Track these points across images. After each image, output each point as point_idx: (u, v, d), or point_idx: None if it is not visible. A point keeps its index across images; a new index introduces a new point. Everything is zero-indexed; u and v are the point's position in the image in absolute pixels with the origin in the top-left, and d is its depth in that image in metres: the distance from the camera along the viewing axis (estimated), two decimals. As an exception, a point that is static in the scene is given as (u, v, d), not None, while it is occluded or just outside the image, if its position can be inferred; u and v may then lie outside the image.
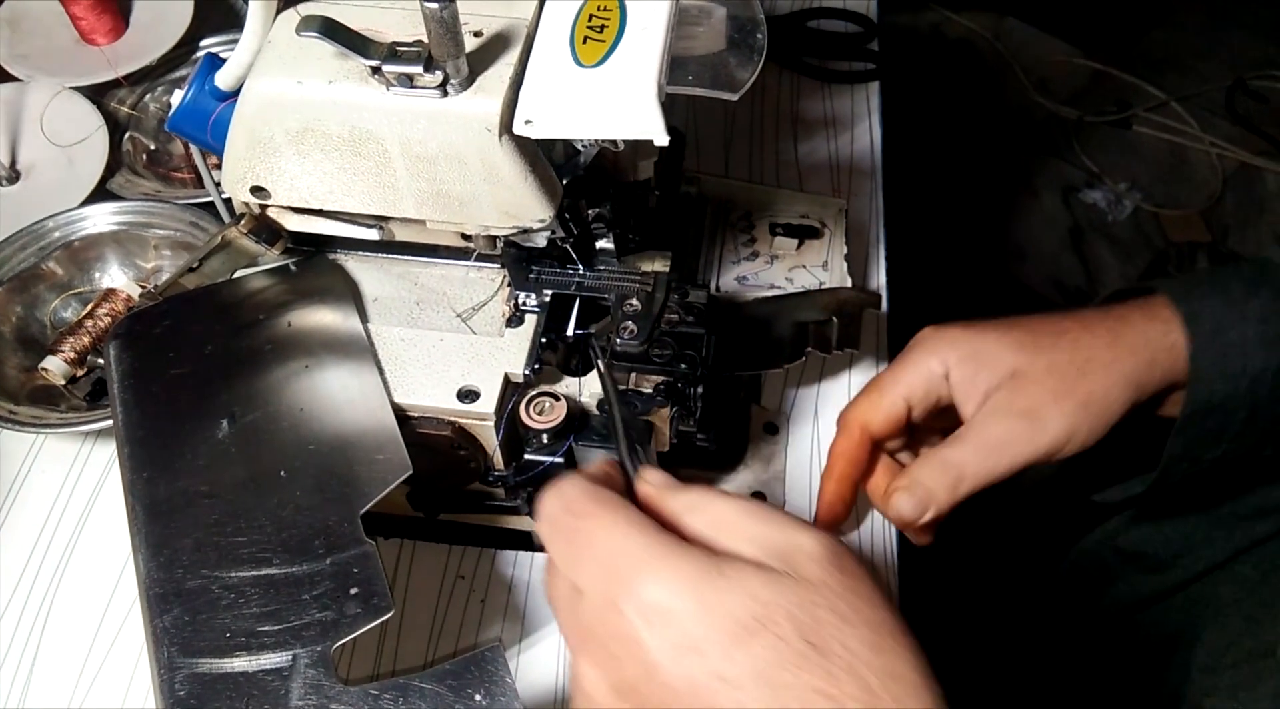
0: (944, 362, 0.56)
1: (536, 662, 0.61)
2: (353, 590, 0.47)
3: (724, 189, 0.80)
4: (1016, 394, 0.53)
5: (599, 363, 0.54)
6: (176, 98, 0.58)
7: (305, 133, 0.48)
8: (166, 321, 0.57)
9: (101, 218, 0.74)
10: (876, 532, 0.67)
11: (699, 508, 0.40)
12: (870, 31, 0.98)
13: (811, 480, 0.70)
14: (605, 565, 0.37)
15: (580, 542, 0.39)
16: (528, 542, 0.66)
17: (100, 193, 0.78)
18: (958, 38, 2.43)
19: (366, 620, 0.46)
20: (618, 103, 0.45)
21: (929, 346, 0.57)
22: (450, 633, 0.63)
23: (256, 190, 0.52)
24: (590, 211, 0.56)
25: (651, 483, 0.43)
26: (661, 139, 0.45)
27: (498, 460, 0.57)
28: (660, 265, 0.60)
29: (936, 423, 0.62)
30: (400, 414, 0.54)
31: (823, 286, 0.73)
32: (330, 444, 0.51)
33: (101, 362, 0.71)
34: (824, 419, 0.72)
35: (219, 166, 0.72)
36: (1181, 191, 2.16)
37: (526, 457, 0.56)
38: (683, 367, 0.55)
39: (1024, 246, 2.05)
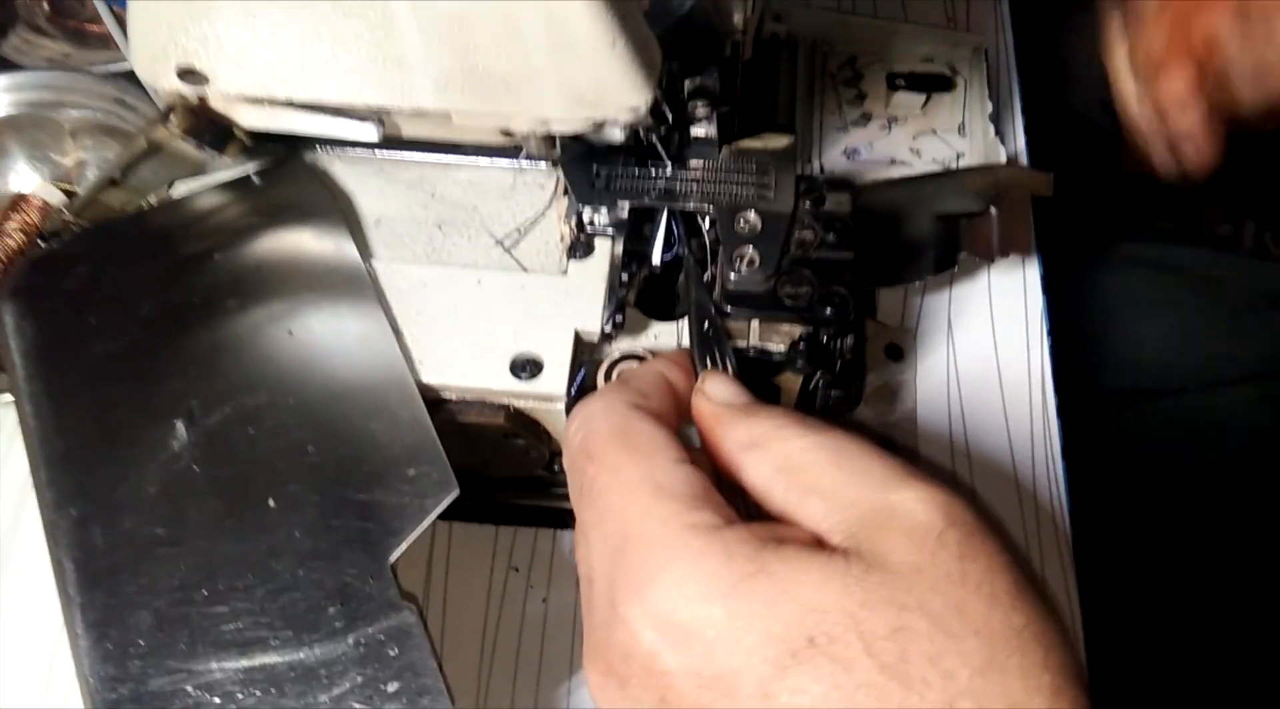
0: None
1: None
2: (389, 685, 0.32)
3: (817, 25, 0.60)
4: None
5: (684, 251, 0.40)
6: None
7: (254, -18, 0.30)
8: (80, 269, 0.39)
9: (-9, 97, 0.55)
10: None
11: (765, 445, 0.31)
12: None
13: (953, 420, 0.54)
14: (614, 545, 0.29)
15: (591, 498, 0.31)
16: (598, 521, 0.51)
17: (-12, 61, 0.58)
18: None
19: (415, 731, 0.31)
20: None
21: None
22: (507, 644, 0.49)
23: (187, 74, 0.34)
24: (687, 83, 0.38)
25: (713, 398, 0.33)
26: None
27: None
28: (778, 153, 0.42)
29: None
30: (431, 398, 0.37)
31: (962, 164, 0.55)
32: (336, 454, 0.35)
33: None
34: (960, 335, 0.56)
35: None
36: None
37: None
38: (828, 311, 0.39)
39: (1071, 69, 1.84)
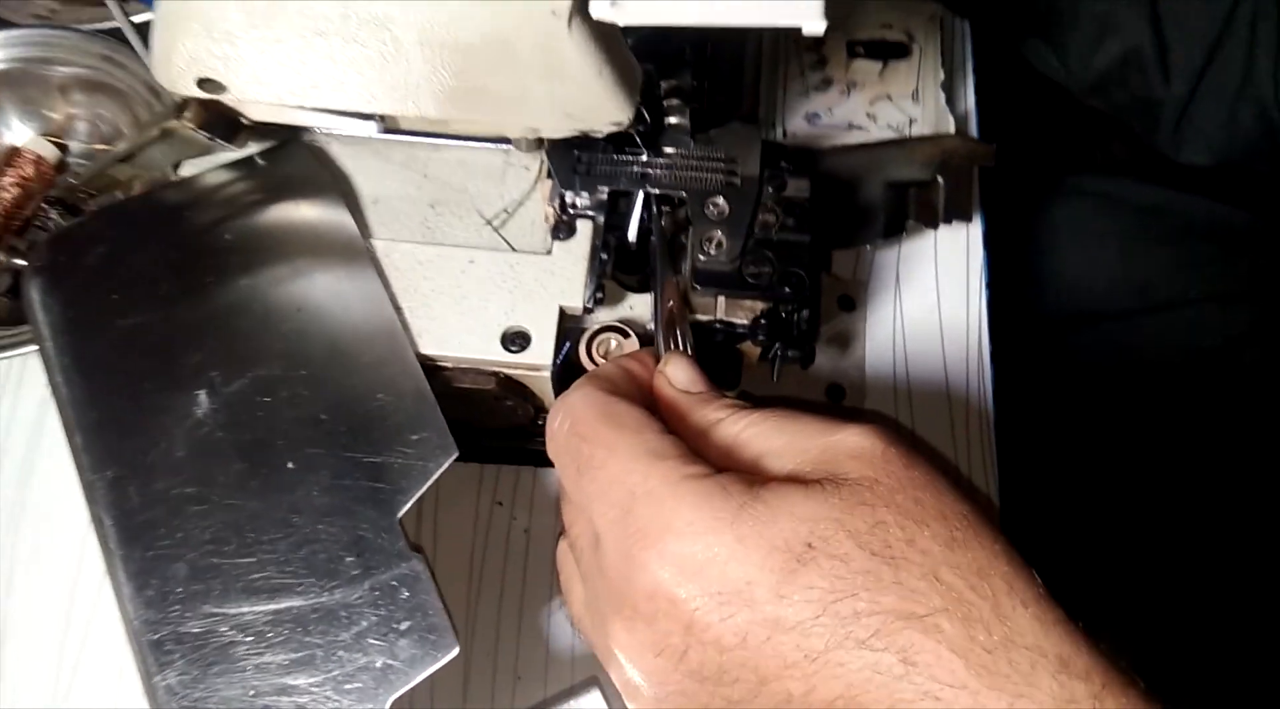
0: None
1: (597, 605, 0.53)
2: (402, 624, 0.37)
3: (782, -10, 0.63)
4: None
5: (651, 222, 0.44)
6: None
7: (274, 12, 0.33)
8: (100, 248, 0.42)
9: (-18, 53, 0.56)
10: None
11: (715, 430, 0.35)
12: None
13: (896, 365, 0.59)
14: (621, 507, 0.32)
15: (591, 473, 0.34)
16: (575, 461, 0.56)
17: (-26, 14, 0.59)
18: None
19: (425, 664, 0.37)
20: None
21: None
22: (493, 571, 0.54)
23: (205, 83, 0.36)
24: (663, 83, 0.42)
25: (673, 381, 0.37)
26: (818, 26, 0.31)
27: (550, 402, 0.46)
28: (745, 143, 0.45)
29: None
30: (429, 366, 0.42)
31: (914, 132, 0.59)
32: (347, 421, 0.40)
33: (18, 256, 0.56)
34: (908, 290, 0.61)
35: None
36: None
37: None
38: (787, 290, 0.43)
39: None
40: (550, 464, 0.55)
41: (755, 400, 0.41)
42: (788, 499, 0.31)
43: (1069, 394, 0.75)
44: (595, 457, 0.34)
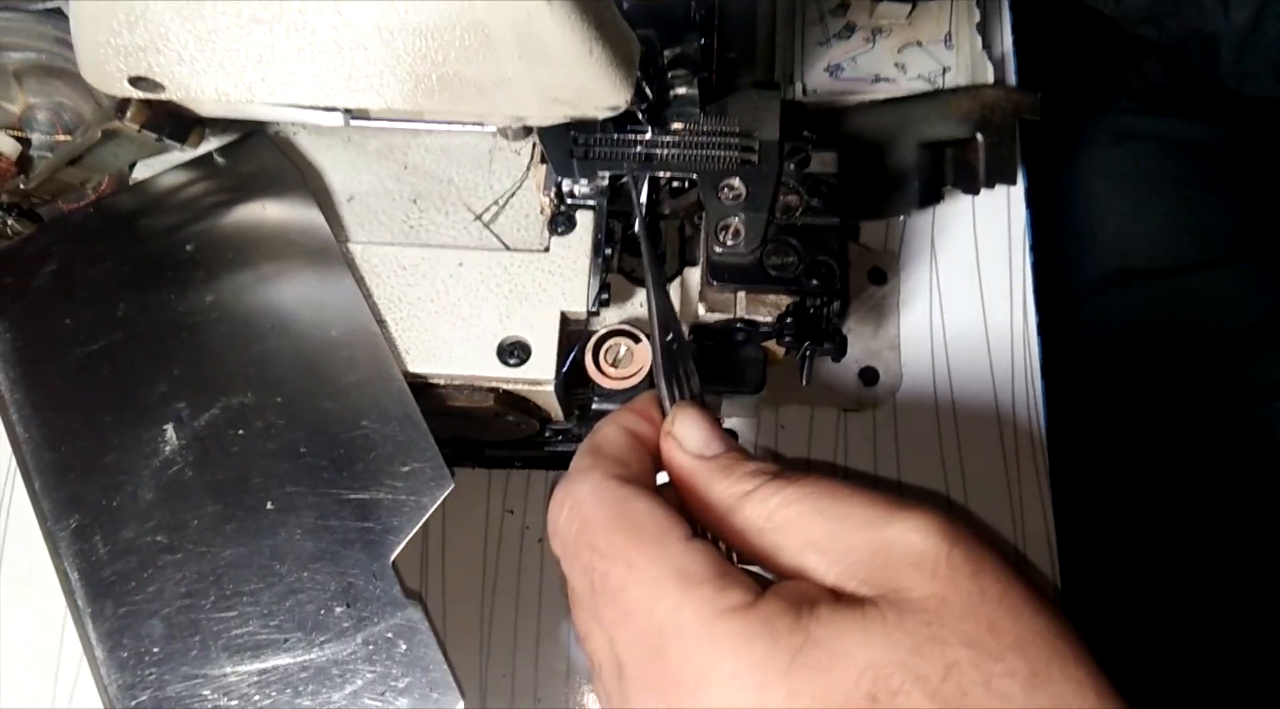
0: None
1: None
2: (400, 681, 0.33)
3: (797, -72, 0.57)
4: None
5: (637, 224, 0.37)
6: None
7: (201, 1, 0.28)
8: (47, 267, 0.38)
9: (-75, 43, 0.52)
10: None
11: (743, 508, 0.30)
12: None
13: (935, 344, 0.55)
14: (650, 645, 0.28)
15: (609, 595, 0.29)
16: (589, 463, 0.51)
17: (-86, -1, 0.54)
18: None
19: (428, 723, 0.33)
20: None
21: None
22: (507, 587, 0.51)
23: (139, 82, 0.31)
24: (666, 53, 0.36)
25: (685, 445, 0.32)
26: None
27: (556, 414, 0.42)
28: (762, 115, 0.40)
29: None
30: (418, 384, 0.37)
31: (948, 83, 0.53)
32: (329, 454, 0.36)
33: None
34: (944, 259, 0.56)
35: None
36: None
37: (595, 407, 0.40)
38: (814, 282, 0.38)
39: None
40: (564, 467, 0.51)
41: (784, 463, 0.36)
42: (844, 637, 0.26)
43: (1119, 360, 0.69)
44: (612, 574, 0.29)
